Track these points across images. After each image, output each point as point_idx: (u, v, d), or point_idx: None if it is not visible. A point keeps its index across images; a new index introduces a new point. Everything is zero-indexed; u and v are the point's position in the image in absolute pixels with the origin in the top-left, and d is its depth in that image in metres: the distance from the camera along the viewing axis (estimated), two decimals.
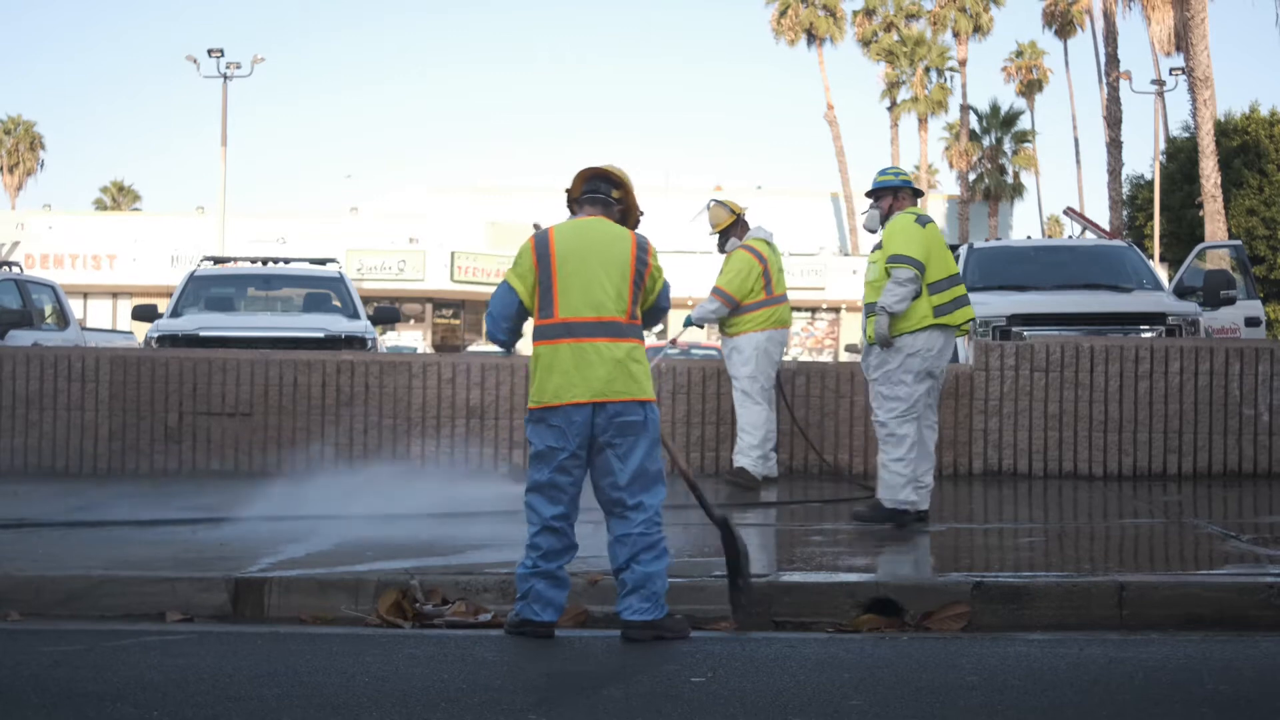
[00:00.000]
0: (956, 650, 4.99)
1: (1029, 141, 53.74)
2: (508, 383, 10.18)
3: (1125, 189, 43.30)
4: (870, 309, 7.51)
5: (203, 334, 12.11)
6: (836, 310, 43.99)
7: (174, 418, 10.16)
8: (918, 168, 52.53)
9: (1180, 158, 37.49)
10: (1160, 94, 41.90)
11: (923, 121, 54.12)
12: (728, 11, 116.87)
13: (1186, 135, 37.45)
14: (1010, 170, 52.97)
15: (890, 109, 54.64)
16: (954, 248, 12.62)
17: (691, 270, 32.51)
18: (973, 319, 7.73)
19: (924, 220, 7.50)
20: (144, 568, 5.95)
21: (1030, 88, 56.23)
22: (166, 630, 5.38)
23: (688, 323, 9.42)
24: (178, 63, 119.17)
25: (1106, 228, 34.31)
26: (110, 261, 42.03)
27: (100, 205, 62.49)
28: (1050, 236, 46.44)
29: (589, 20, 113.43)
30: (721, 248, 9.57)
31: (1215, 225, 30.96)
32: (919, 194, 7.77)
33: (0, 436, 10.14)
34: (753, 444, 9.18)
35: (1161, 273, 22.98)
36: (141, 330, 17.12)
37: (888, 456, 7.41)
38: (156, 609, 5.61)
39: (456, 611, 5.50)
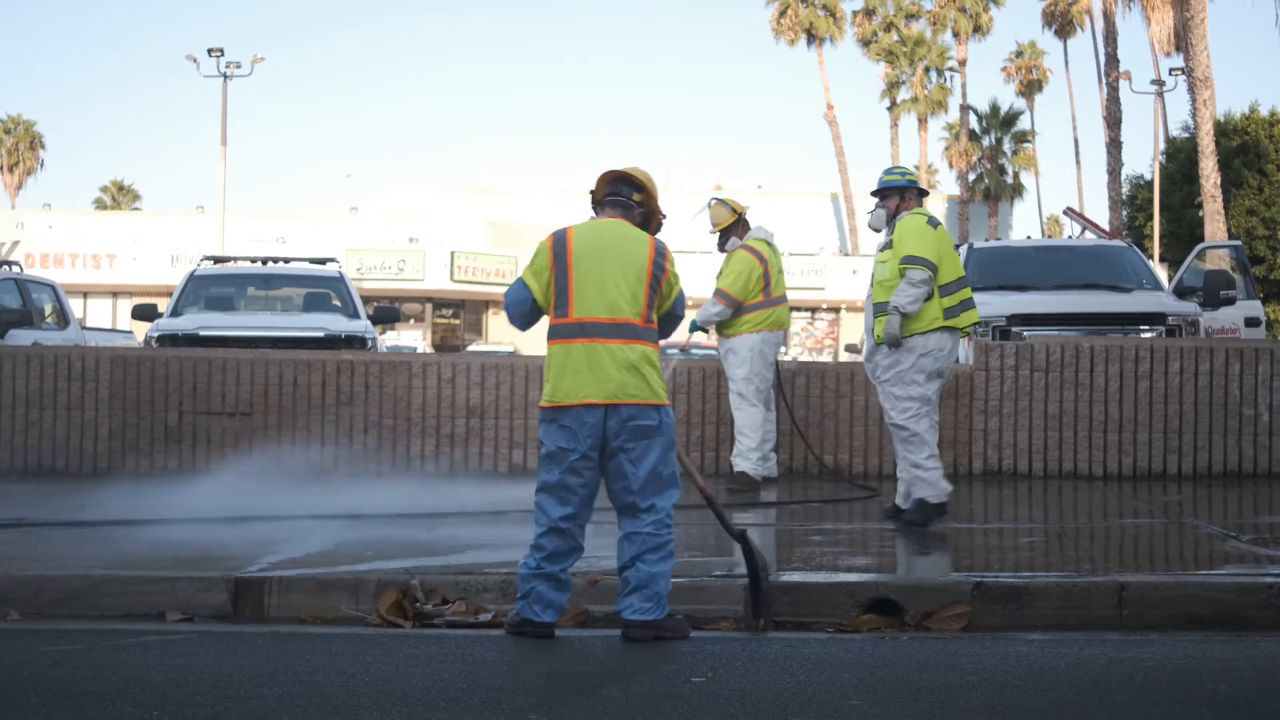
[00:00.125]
0: (956, 650, 4.99)
1: (1029, 141, 53.77)
2: (507, 383, 10.18)
3: (1125, 189, 43.32)
4: (880, 308, 7.45)
5: (203, 333, 12.11)
6: (836, 310, 44.01)
7: (174, 417, 10.16)
8: (917, 168, 52.52)
9: (1180, 158, 37.50)
10: (1160, 94, 41.94)
11: (922, 121, 54.16)
12: (728, 11, 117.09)
13: (1186, 135, 37.46)
14: (1010, 170, 52.99)
15: (890, 109, 54.70)
16: (954, 248, 12.60)
17: (691, 270, 32.51)
18: (977, 322, 7.74)
19: (934, 222, 7.50)
20: (144, 567, 5.94)
21: (1030, 88, 56.27)
22: (166, 630, 5.38)
23: (693, 327, 9.37)
24: (178, 62, 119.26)
25: (1106, 228, 34.34)
26: (110, 261, 42.03)
27: (100, 205, 62.51)
28: (1050, 236, 46.44)
29: (589, 20, 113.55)
30: (722, 247, 9.53)
31: (1215, 225, 30.97)
32: (924, 193, 7.77)
33: (0, 436, 10.14)
34: (751, 447, 9.16)
35: (1161, 273, 22.99)
36: (141, 330, 17.12)
37: (915, 457, 7.35)
38: (156, 609, 5.61)
39: (456, 611, 5.49)
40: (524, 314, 5.33)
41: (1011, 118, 53.69)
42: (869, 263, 41.72)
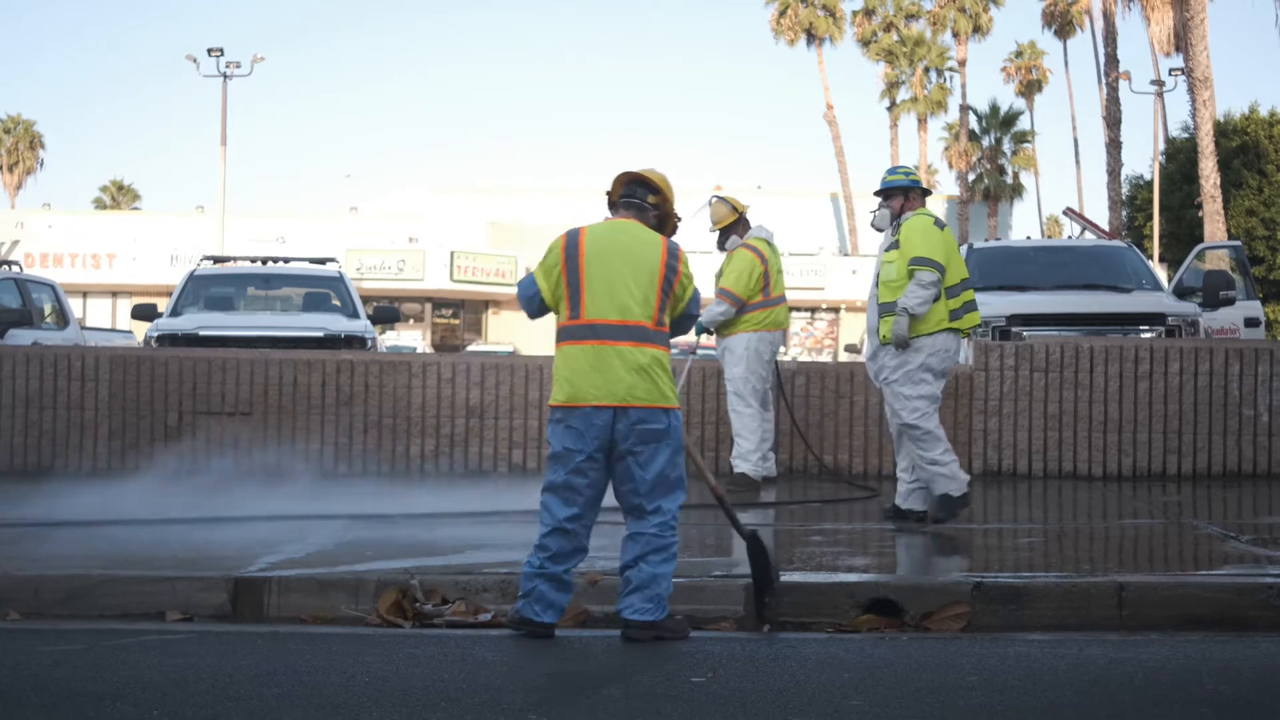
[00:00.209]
0: (956, 650, 4.99)
1: (1028, 142, 53.77)
2: (507, 383, 10.18)
3: (1125, 189, 43.32)
4: (886, 308, 7.43)
5: (202, 333, 12.11)
6: (836, 310, 44.01)
7: (174, 417, 10.16)
8: (917, 167, 52.49)
9: (1180, 158, 37.50)
10: (1160, 94, 41.94)
11: (922, 122, 54.15)
12: (728, 11, 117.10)
13: (1186, 136, 37.47)
14: (1010, 170, 52.99)
15: (890, 109, 54.69)
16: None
17: (692, 269, 32.50)
18: (979, 324, 7.75)
19: (941, 224, 7.51)
20: (144, 567, 5.95)
21: (1030, 88, 56.27)
22: (166, 630, 5.38)
23: (699, 329, 9.33)
24: (178, 62, 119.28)
25: (1106, 228, 34.31)
26: (110, 261, 42.03)
27: (100, 204, 62.50)
28: (1050, 237, 46.46)
29: (589, 20, 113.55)
30: (721, 245, 9.49)
31: (1214, 226, 30.98)
32: (927, 193, 7.76)
33: (0, 436, 10.14)
34: (750, 448, 9.14)
35: (1161, 273, 22.98)
36: (141, 329, 17.12)
37: (931, 454, 7.33)
38: (156, 608, 5.60)
39: (456, 611, 5.49)
40: (533, 308, 5.38)
41: (1011, 118, 53.70)
42: (869, 263, 41.88)
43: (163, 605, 5.61)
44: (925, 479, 7.44)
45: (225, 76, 39.15)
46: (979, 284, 11.77)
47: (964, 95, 54.37)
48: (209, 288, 14.01)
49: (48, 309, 14.66)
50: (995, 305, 11.37)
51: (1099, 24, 46.06)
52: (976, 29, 53.62)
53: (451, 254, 41.52)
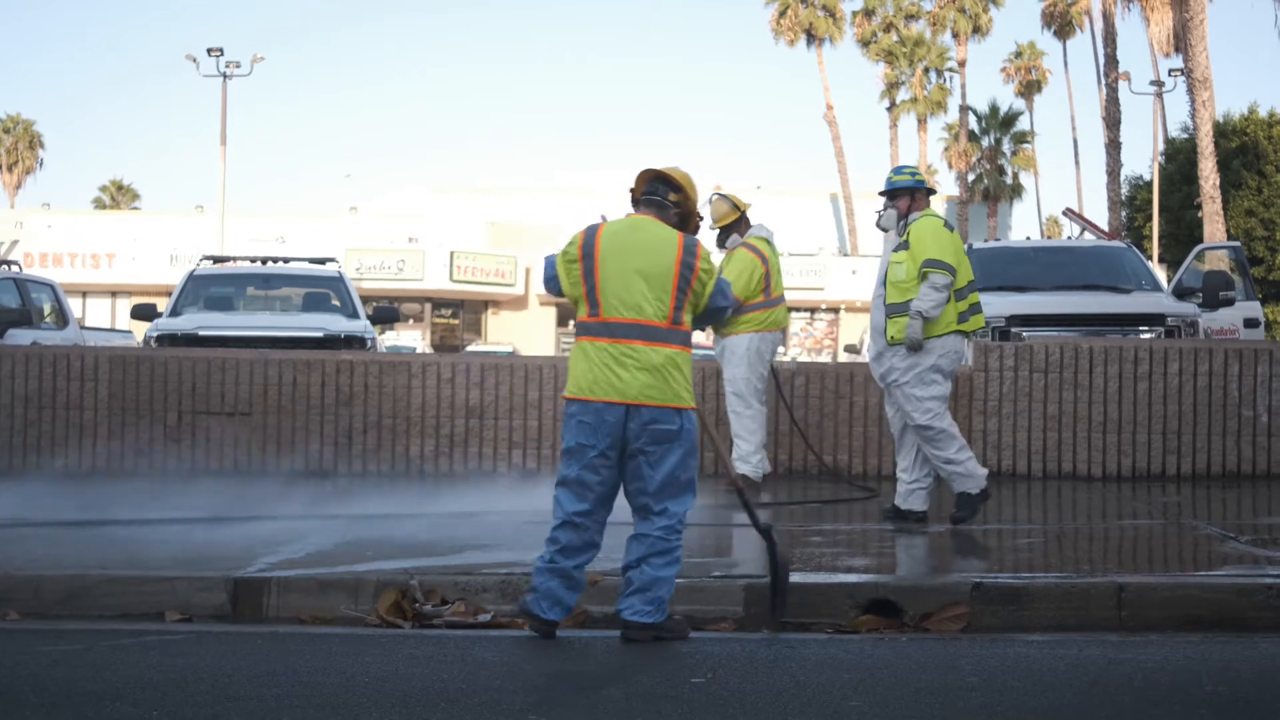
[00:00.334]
0: (956, 651, 4.99)
1: (1028, 142, 53.76)
2: (507, 383, 10.18)
3: (1124, 190, 43.32)
4: (896, 309, 7.40)
5: (202, 333, 12.11)
6: (836, 310, 43.99)
7: (173, 417, 10.16)
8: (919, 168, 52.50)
9: (1179, 159, 37.52)
10: (1159, 95, 41.95)
11: (922, 122, 54.14)
12: (727, 11, 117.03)
13: (1185, 136, 37.49)
14: (1009, 171, 52.98)
15: (889, 109, 54.67)
16: None
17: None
18: (983, 326, 7.76)
19: (950, 226, 7.53)
20: (143, 567, 5.95)
21: (1029, 88, 56.27)
22: (165, 630, 5.38)
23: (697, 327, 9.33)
24: (177, 62, 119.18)
25: (1105, 228, 34.33)
26: (109, 260, 42.02)
27: (99, 204, 62.49)
28: (1049, 237, 46.46)
29: (589, 20, 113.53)
30: (721, 244, 9.46)
31: (1214, 226, 31.00)
32: (931, 192, 7.76)
33: None
34: (750, 450, 9.11)
35: (1160, 274, 22.99)
36: (140, 329, 17.12)
37: (946, 453, 7.33)
38: (155, 609, 5.61)
39: (456, 611, 5.50)
40: (552, 290, 5.41)
41: (1011, 118, 53.69)
42: (868, 263, 41.90)
43: (162, 605, 5.61)
44: (949, 475, 7.43)
45: (225, 76, 39.17)
46: (979, 285, 11.80)
47: (964, 96, 54.42)
48: (208, 288, 14.02)
49: (47, 309, 14.66)
50: (995, 306, 11.37)
51: (1098, 24, 46.09)
52: (976, 29, 53.62)
53: (451, 254, 41.52)
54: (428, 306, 42.97)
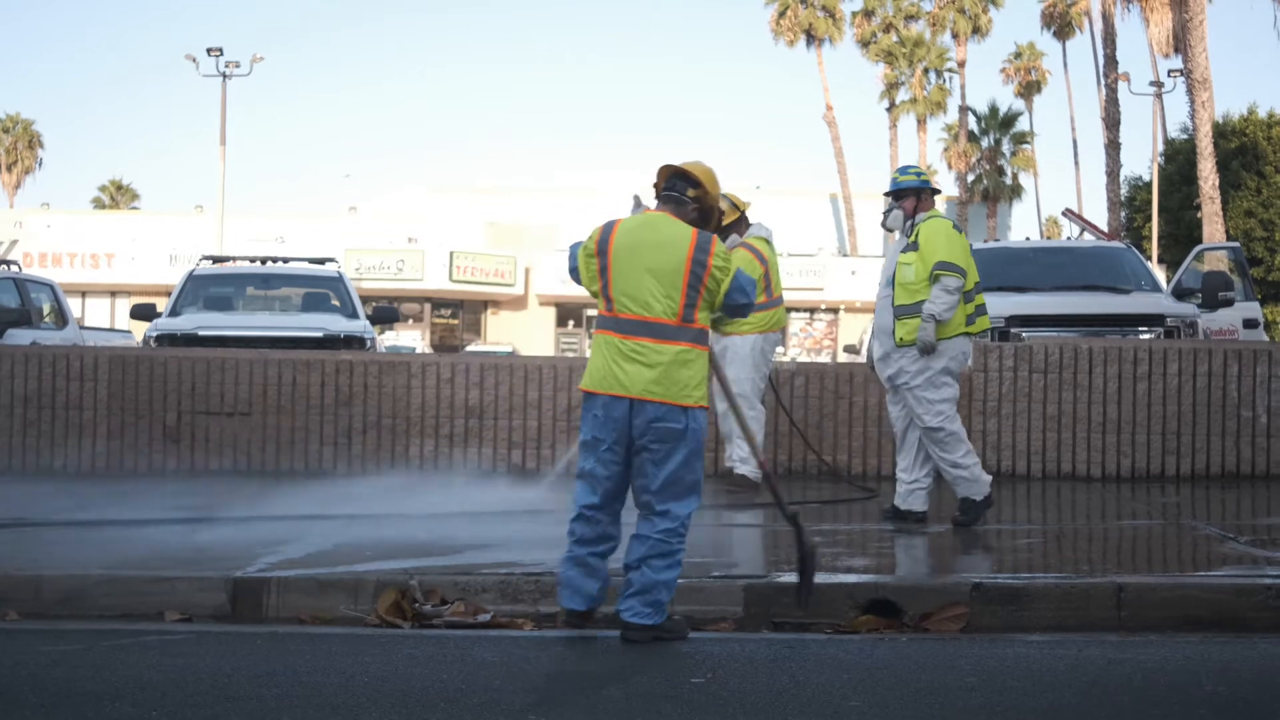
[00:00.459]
0: (955, 651, 5.00)
1: (1027, 143, 53.79)
2: (507, 383, 10.18)
3: (1123, 190, 43.35)
4: (905, 310, 7.37)
5: (201, 333, 12.12)
6: (835, 310, 44.00)
7: (173, 417, 10.16)
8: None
9: (1178, 159, 37.55)
10: (1159, 95, 41.96)
11: (921, 122, 54.15)
12: (727, 11, 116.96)
13: (1185, 137, 37.52)
14: (1009, 171, 53.01)
15: (889, 110, 54.68)
16: None
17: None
18: (988, 328, 7.76)
19: (958, 227, 7.52)
20: (143, 567, 5.94)
21: (1029, 89, 56.30)
22: (165, 630, 5.38)
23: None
24: (177, 62, 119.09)
25: (1105, 229, 34.36)
26: (109, 260, 42.04)
27: (99, 204, 62.47)
28: (1049, 238, 46.47)
29: (588, 20, 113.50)
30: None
31: (1213, 227, 31.00)
32: (936, 192, 7.76)
33: None
34: (750, 452, 9.09)
35: (1160, 274, 22.99)
36: (140, 329, 17.12)
37: (953, 456, 7.33)
38: (155, 609, 5.61)
39: (455, 612, 5.50)
40: (578, 281, 5.43)
41: (1010, 119, 53.71)
42: (868, 263, 41.89)
43: (162, 605, 5.61)
44: (954, 479, 7.43)
45: (225, 76, 39.19)
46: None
47: (963, 96, 54.47)
48: (208, 288, 14.02)
49: (46, 309, 14.66)
50: (994, 306, 11.32)
51: (1098, 25, 46.10)
52: (976, 30, 53.64)
53: (450, 254, 41.53)
54: (427, 306, 42.98)
